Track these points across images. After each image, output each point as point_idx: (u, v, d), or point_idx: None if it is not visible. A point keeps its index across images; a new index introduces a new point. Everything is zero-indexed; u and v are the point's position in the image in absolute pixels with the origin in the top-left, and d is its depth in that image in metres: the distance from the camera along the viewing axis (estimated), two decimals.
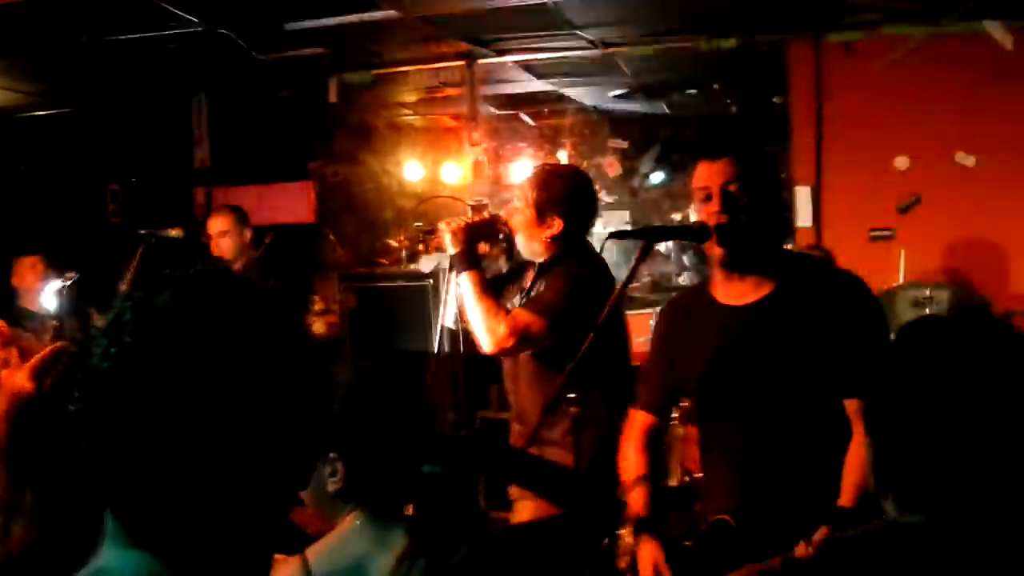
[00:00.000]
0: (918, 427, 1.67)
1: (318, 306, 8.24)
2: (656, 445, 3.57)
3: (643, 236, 3.26)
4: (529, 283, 4.42)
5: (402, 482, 2.39)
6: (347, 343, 7.61)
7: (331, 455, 2.31)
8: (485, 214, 4.50)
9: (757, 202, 3.17)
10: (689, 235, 3.23)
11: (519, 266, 4.61)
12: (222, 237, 6.49)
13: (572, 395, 3.48)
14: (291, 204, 9.04)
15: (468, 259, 4.30)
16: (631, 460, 3.50)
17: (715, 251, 3.21)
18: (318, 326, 8.25)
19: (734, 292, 3.30)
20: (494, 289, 4.40)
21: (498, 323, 4.12)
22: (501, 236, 4.45)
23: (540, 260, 4.36)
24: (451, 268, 4.39)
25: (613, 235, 3.41)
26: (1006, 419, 1.63)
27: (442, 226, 4.38)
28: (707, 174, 3.20)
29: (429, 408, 3.01)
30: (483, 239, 4.46)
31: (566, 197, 4.30)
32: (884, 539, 1.70)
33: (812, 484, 3.13)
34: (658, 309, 6.94)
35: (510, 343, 4.11)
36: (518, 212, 4.33)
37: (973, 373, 1.67)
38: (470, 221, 4.39)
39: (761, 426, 3.20)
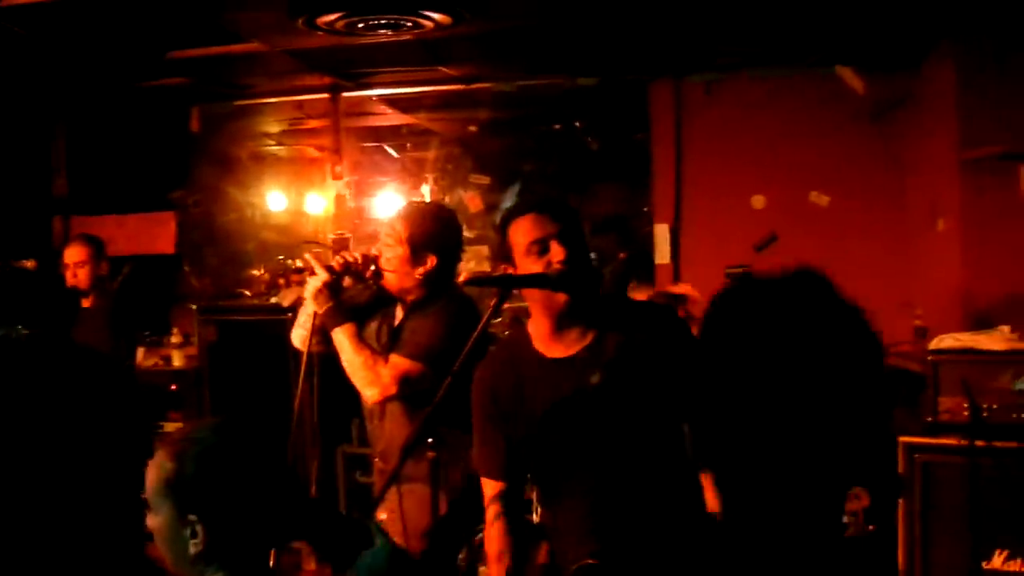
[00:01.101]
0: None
1: (176, 338, 8.12)
2: (516, 509, 3.48)
3: (498, 284, 3.27)
4: (398, 321, 4.37)
5: (264, 541, 2.36)
6: (205, 376, 7.51)
7: (191, 517, 2.26)
8: (348, 256, 4.42)
9: (581, 252, 3.23)
10: (545, 283, 3.24)
11: (380, 299, 4.52)
12: (79, 267, 6.36)
13: (430, 439, 3.46)
14: (151, 234, 8.90)
15: (337, 314, 4.23)
16: (490, 537, 3.44)
17: (558, 299, 3.21)
18: (176, 359, 8.13)
19: (562, 344, 3.29)
20: (357, 322, 4.34)
21: (379, 372, 4.11)
22: (369, 275, 4.40)
23: (410, 298, 4.32)
24: (320, 326, 4.29)
25: (467, 282, 3.43)
26: None
27: (308, 283, 4.28)
28: (539, 227, 3.22)
29: (289, 462, 2.97)
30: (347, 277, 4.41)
31: (440, 234, 4.28)
32: None
33: (669, 511, 3.20)
34: None
35: (394, 390, 4.09)
36: (390, 249, 4.27)
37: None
38: (328, 277, 4.26)
39: (610, 467, 3.22)
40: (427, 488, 3.69)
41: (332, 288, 4.25)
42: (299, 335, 4.52)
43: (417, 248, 4.22)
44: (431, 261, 4.23)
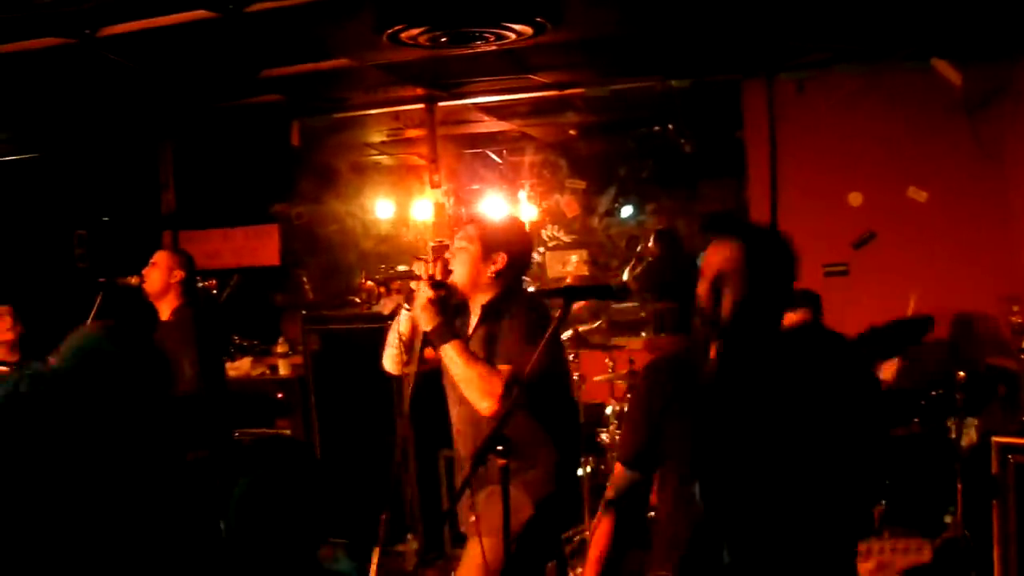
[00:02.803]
0: None
1: (281, 348, 8.31)
2: (639, 504, 3.53)
3: (562, 295, 3.33)
4: (472, 327, 4.44)
5: None
6: (310, 385, 7.68)
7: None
8: (447, 254, 4.51)
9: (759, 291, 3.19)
10: (607, 294, 3.30)
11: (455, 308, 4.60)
12: (150, 269, 6.30)
13: (500, 447, 3.51)
14: (256, 247, 9.12)
15: (445, 331, 4.27)
16: (598, 534, 3.46)
17: None
18: (282, 367, 8.32)
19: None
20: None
21: (495, 384, 4.15)
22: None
23: (482, 300, 4.41)
24: (425, 343, 4.36)
25: (536, 293, 3.48)
26: None
27: (416, 290, 4.35)
28: (724, 257, 3.18)
29: (319, 511, 2.97)
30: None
31: (509, 234, 4.46)
32: None
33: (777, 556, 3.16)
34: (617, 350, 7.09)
35: (507, 400, 4.12)
36: (463, 250, 4.39)
37: None
38: (433, 293, 4.30)
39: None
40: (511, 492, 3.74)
41: (440, 304, 4.32)
42: (390, 356, 4.64)
43: (489, 246, 4.36)
44: (502, 259, 4.35)
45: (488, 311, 4.40)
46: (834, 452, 3.13)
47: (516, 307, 4.35)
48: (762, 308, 3.21)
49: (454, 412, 4.57)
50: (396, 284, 4.59)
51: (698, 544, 3.18)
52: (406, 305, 4.46)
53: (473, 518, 4.28)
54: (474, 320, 4.48)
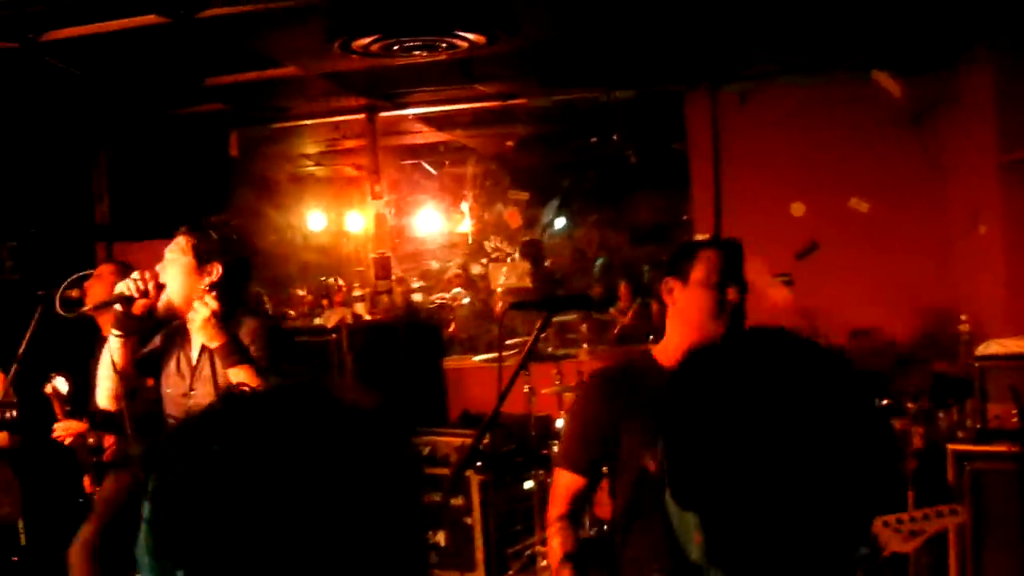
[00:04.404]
0: None
1: None
2: (582, 510, 3.55)
3: (543, 307, 3.31)
4: (196, 347, 4.18)
5: None
6: None
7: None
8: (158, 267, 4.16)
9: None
10: (588, 305, 3.28)
11: (163, 336, 4.35)
12: (94, 282, 6.10)
13: (479, 463, 3.47)
14: None
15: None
16: (556, 543, 3.45)
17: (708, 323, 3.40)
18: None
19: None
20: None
21: None
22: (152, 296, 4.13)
23: (207, 321, 4.06)
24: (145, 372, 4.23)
25: (514, 306, 3.45)
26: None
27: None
28: (726, 266, 3.44)
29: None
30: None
31: (224, 244, 4.23)
32: None
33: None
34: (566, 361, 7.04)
35: None
36: (173, 263, 4.17)
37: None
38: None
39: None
40: None
41: (133, 320, 4.11)
42: (105, 390, 4.28)
43: (202, 257, 4.14)
44: (216, 270, 4.14)
45: (218, 326, 4.06)
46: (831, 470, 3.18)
47: (244, 316, 4.20)
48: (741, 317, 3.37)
49: None
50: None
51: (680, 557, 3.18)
52: (115, 331, 4.15)
53: None
54: (189, 346, 4.22)
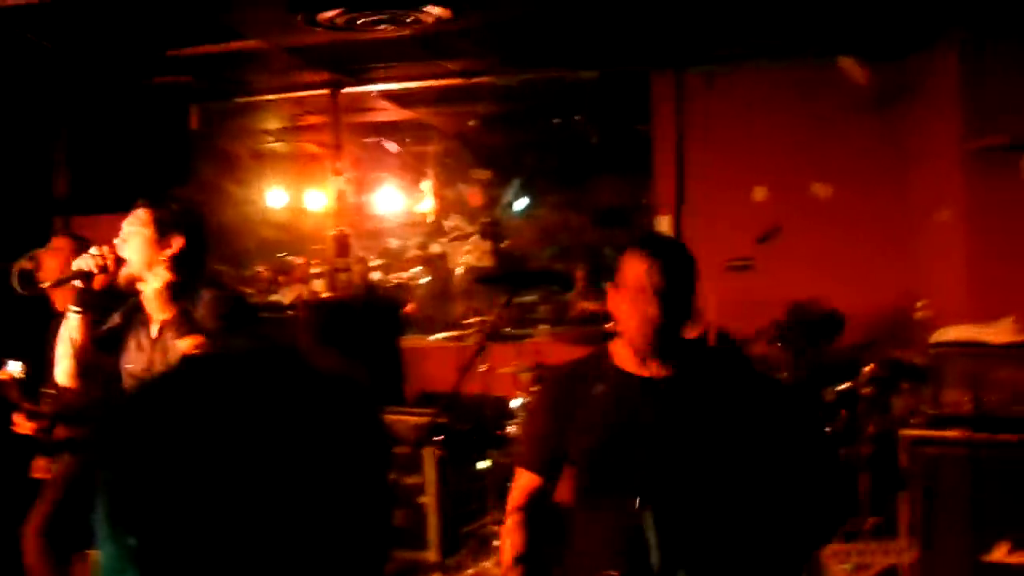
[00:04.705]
0: None
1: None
2: (540, 511, 3.52)
3: (509, 282, 3.30)
4: (158, 324, 4.14)
5: None
6: None
7: None
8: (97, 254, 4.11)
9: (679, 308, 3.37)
10: (553, 281, 3.28)
11: (122, 313, 4.31)
12: (51, 255, 6.03)
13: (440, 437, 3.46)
14: None
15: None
16: (509, 542, 3.46)
17: (650, 323, 3.33)
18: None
19: (644, 368, 3.41)
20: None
21: None
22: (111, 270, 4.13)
23: (158, 289, 4.09)
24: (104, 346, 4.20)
25: (480, 280, 3.43)
26: None
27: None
28: (650, 277, 3.32)
29: None
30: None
31: (184, 216, 4.22)
32: None
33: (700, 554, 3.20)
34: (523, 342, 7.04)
35: None
36: (133, 236, 4.13)
37: None
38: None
39: (659, 496, 3.21)
40: None
41: (88, 296, 4.11)
42: (65, 368, 4.30)
43: (162, 229, 4.11)
44: (177, 242, 4.11)
45: (170, 298, 4.08)
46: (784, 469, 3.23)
47: (203, 288, 4.16)
48: (677, 322, 3.37)
49: None
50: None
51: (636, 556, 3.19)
52: (74, 307, 4.16)
53: None
54: (155, 318, 4.17)
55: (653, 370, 3.38)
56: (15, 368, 5.51)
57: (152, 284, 4.07)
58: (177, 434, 1.11)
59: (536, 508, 3.50)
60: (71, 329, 4.18)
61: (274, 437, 1.12)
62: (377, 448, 1.23)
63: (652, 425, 3.30)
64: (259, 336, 4.37)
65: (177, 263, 4.11)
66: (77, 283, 4.14)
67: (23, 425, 5.42)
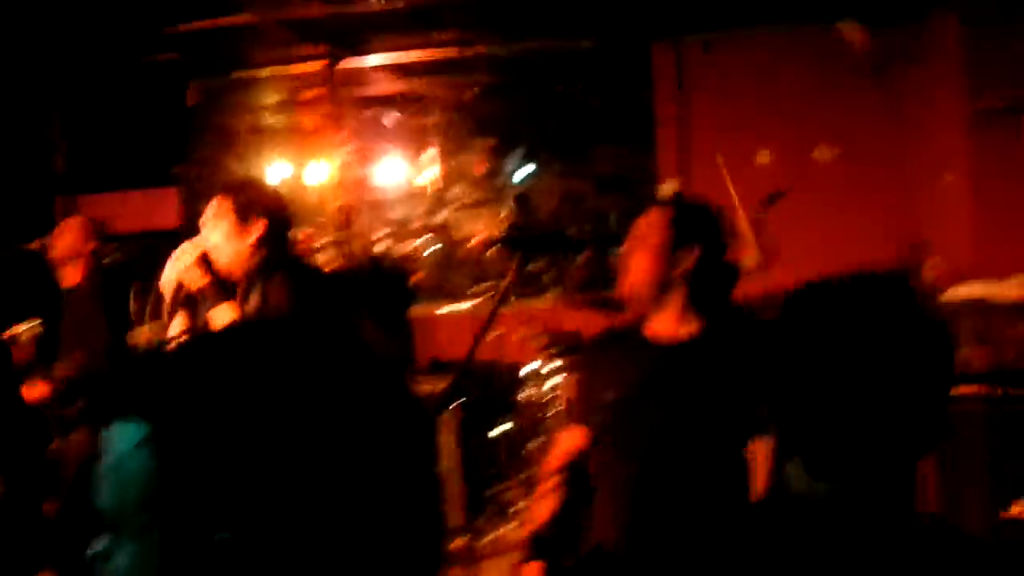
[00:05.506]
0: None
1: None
2: (581, 473, 3.50)
3: (521, 246, 3.28)
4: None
5: None
6: None
7: None
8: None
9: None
10: (563, 245, 3.25)
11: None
12: (61, 235, 6.04)
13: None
14: (156, 210, 8.83)
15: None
16: (549, 498, 3.45)
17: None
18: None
19: (671, 330, 3.34)
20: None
21: None
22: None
23: (247, 275, 4.11)
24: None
25: (491, 244, 3.41)
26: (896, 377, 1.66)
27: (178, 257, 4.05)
28: (658, 231, 3.30)
29: None
30: None
31: (264, 199, 4.23)
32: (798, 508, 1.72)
33: (698, 527, 3.20)
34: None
35: None
36: (215, 229, 4.10)
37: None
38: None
39: (656, 468, 3.21)
40: None
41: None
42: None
43: (243, 214, 4.10)
44: (260, 225, 4.09)
45: (251, 283, 4.08)
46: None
47: (278, 272, 4.07)
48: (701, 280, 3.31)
49: None
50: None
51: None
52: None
53: None
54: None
55: (673, 330, 3.33)
56: (30, 324, 5.48)
57: (184, 256, 4.04)
58: (220, 386, 1.12)
59: (578, 470, 3.47)
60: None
61: (319, 398, 1.13)
62: (419, 418, 1.24)
63: (661, 388, 3.27)
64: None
65: (263, 245, 4.09)
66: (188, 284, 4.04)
67: (36, 389, 5.40)
